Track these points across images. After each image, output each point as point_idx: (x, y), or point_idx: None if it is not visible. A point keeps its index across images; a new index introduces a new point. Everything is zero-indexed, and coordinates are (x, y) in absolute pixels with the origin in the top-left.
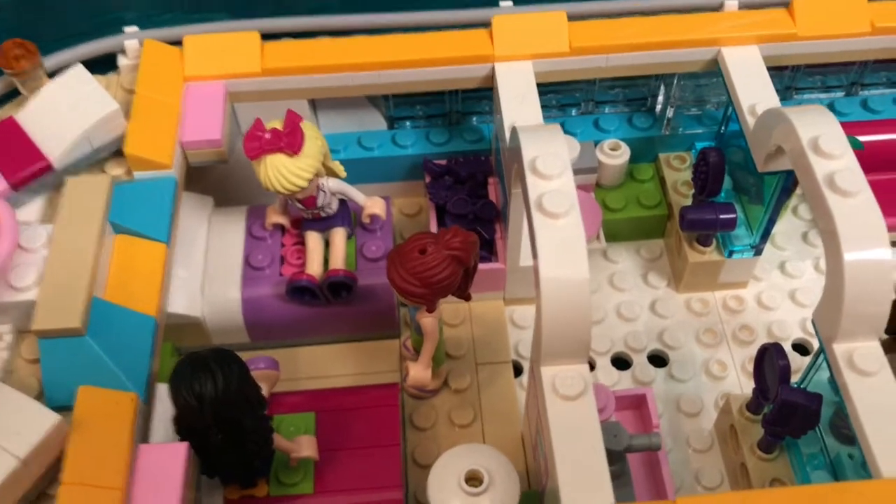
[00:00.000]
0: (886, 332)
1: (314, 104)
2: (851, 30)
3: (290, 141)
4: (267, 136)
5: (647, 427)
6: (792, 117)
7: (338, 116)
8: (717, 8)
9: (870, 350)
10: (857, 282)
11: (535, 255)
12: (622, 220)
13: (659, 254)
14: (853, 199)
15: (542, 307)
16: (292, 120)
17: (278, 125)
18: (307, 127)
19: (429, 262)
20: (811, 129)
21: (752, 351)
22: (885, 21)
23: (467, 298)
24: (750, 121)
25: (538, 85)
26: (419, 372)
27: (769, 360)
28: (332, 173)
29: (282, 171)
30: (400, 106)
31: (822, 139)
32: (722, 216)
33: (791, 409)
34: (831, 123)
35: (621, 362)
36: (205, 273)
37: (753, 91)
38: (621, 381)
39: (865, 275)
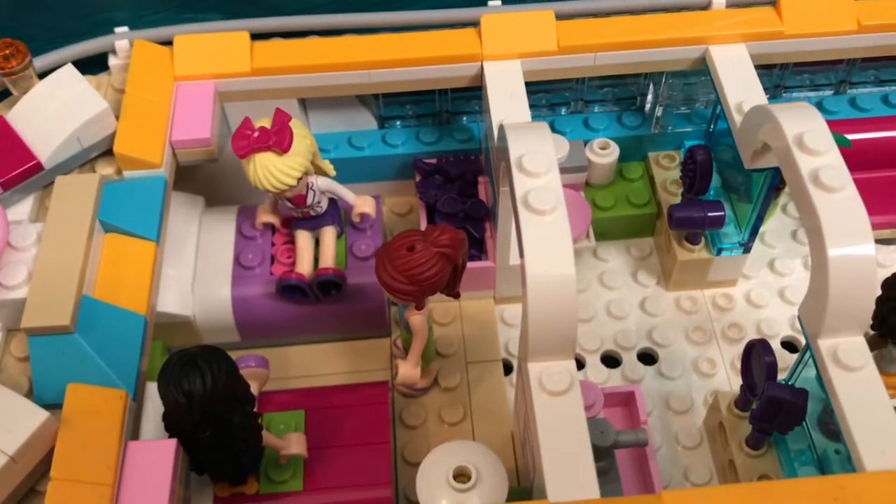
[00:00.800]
0: (872, 327)
1: (304, 104)
2: (838, 28)
3: (278, 139)
4: (255, 134)
5: (635, 424)
6: (777, 114)
7: (328, 116)
8: (705, 7)
9: (854, 345)
10: (842, 277)
11: (521, 252)
12: (612, 218)
13: (648, 252)
14: (837, 195)
15: (529, 303)
16: (281, 119)
17: (267, 124)
18: (296, 126)
19: (417, 259)
20: (796, 126)
21: (741, 349)
22: (872, 19)
23: (456, 296)
24: (737, 118)
25: (527, 84)
26: (408, 370)
27: (756, 357)
28: (321, 172)
29: (270, 170)
30: (390, 105)
31: (807, 136)
32: (710, 214)
33: (777, 404)
34: (816, 120)
35: (611, 360)
36: (195, 272)
37: (740, 89)
38: (611, 379)
39: (849, 270)
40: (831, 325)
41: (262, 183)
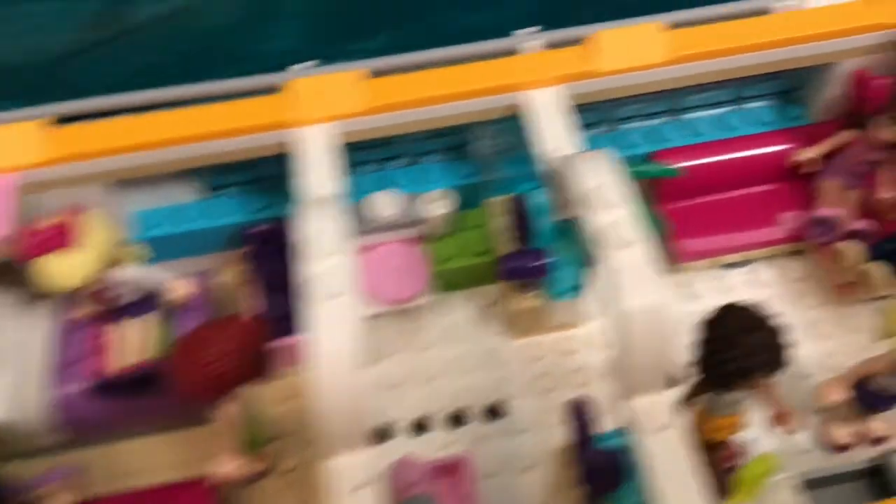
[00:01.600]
0: (698, 372)
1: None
2: (650, 61)
3: (60, 240)
4: (35, 237)
5: (462, 495)
6: (570, 168)
7: (147, 193)
8: (513, 52)
9: (655, 405)
10: (633, 335)
11: (304, 337)
12: (453, 270)
13: (492, 301)
14: (627, 251)
15: (311, 397)
16: (66, 215)
17: (57, 220)
18: (91, 217)
19: (210, 355)
20: (588, 180)
21: (588, 392)
22: (682, 50)
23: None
24: (546, 167)
25: (354, 142)
26: (224, 464)
27: (575, 416)
28: (125, 261)
29: (55, 271)
30: (214, 175)
31: (597, 190)
32: (532, 264)
33: (591, 467)
34: (607, 173)
35: (459, 419)
36: (12, 373)
37: (551, 135)
38: (459, 441)
39: (640, 327)
40: (630, 385)
41: (48, 286)
